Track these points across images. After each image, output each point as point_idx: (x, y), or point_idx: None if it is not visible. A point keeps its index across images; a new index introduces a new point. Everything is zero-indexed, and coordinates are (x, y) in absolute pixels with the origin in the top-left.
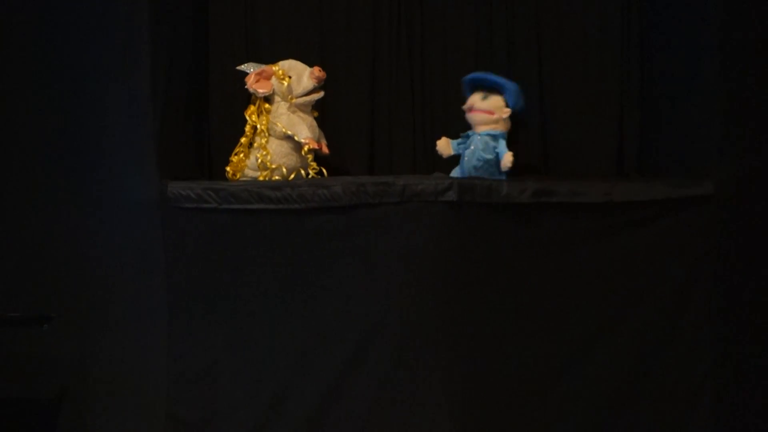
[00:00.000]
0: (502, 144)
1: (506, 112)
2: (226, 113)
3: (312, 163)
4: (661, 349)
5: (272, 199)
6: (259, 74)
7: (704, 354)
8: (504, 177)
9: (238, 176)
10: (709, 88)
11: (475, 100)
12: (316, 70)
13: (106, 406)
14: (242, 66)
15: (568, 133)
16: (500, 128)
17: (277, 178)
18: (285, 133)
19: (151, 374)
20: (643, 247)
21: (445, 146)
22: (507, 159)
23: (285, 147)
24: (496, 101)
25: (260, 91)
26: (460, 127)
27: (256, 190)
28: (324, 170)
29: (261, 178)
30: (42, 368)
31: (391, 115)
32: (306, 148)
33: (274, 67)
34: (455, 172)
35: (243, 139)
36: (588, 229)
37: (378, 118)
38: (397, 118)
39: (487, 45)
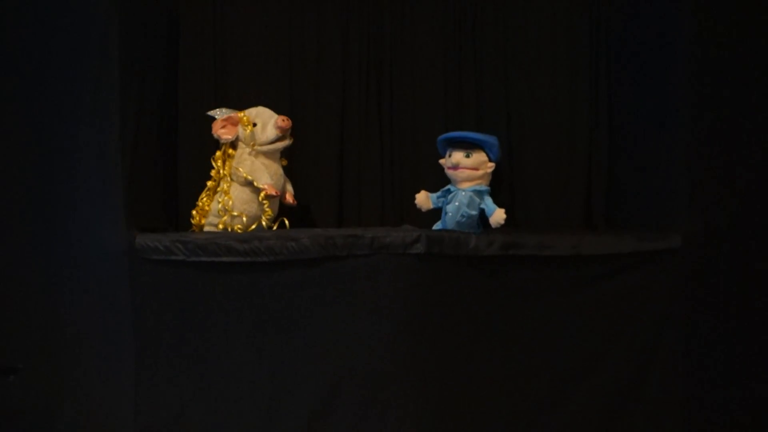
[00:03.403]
0: (489, 200)
1: (490, 167)
2: (196, 163)
3: (267, 210)
4: (630, 401)
5: (240, 252)
6: (225, 120)
7: (673, 407)
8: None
9: (203, 222)
10: (676, 142)
11: (459, 158)
12: (280, 120)
13: None
14: (212, 111)
15: (537, 185)
16: (484, 183)
17: (238, 227)
18: (246, 179)
19: (118, 426)
20: (611, 300)
21: (424, 200)
22: (500, 216)
23: (246, 193)
24: (479, 157)
25: (223, 137)
26: (428, 180)
27: (225, 242)
28: (286, 220)
29: (221, 224)
30: (8, 420)
31: (360, 167)
32: (263, 194)
33: (240, 114)
34: (437, 227)
35: (209, 183)
36: (556, 281)
37: (346, 170)
38: (365, 170)
39: (455, 98)
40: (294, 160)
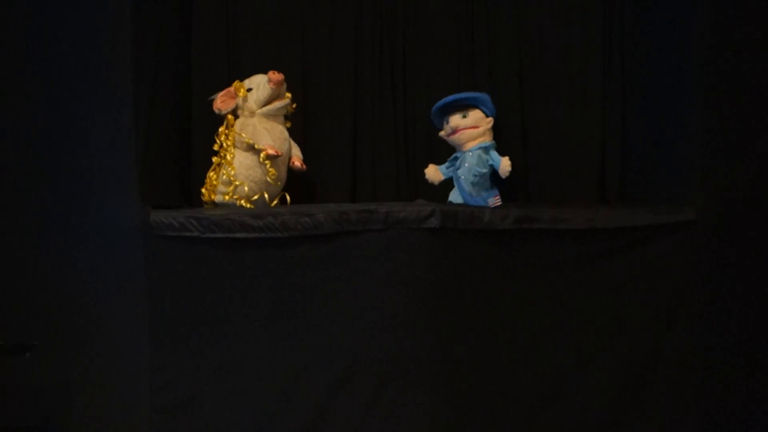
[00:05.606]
0: (494, 154)
1: (489, 122)
2: (209, 140)
3: (270, 170)
4: (646, 374)
5: (255, 228)
6: (224, 95)
7: (689, 379)
8: (495, 191)
9: (213, 197)
10: (690, 114)
11: (457, 120)
12: (270, 74)
13: None
14: (210, 97)
15: (550, 159)
16: (488, 139)
17: (239, 199)
18: (248, 143)
19: (134, 403)
20: (626, 273)
21: (434, 173)
22: (505, 164)
23: (249, 158)
24: (475, 115)
25: (223, 109)
26: (443, 154)
27: (239, 218)
28: (287, 195)
29: (227, 196)
30: (24, 397)
31: (374, 142)
32: (263, 154)
33: (235, 84)
34: (454, 195)
35: (215, 159)
36: (571, 255)
37: (360, 145)
38: (379, 145)
39: (469, 72)
40: (307, 134)
